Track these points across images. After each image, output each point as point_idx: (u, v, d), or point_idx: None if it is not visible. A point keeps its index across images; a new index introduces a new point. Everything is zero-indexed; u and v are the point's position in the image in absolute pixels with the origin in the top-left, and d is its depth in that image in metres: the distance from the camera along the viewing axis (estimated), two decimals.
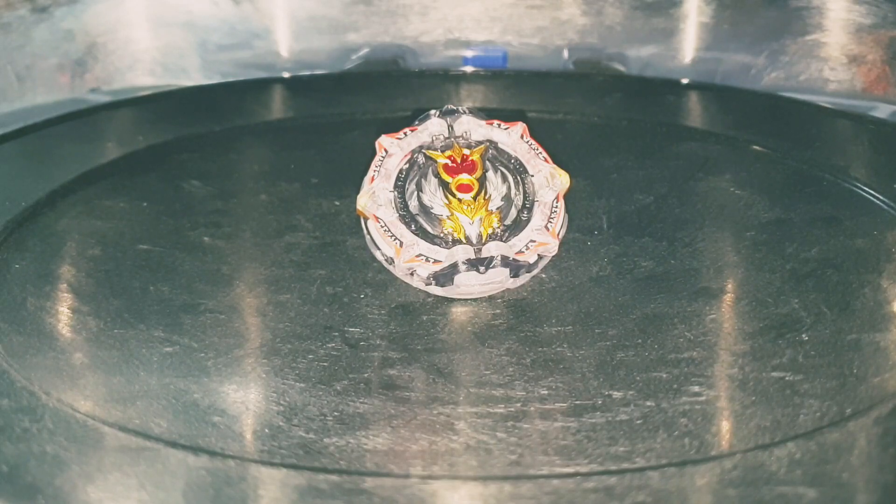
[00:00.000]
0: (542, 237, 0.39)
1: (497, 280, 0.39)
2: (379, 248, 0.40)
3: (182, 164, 0.55)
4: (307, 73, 0.69)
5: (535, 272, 0.40)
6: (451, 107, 0.41)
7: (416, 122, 0.41)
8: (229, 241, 0.46)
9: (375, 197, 0.39)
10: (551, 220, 0.39)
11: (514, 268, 0.39)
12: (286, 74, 0.69)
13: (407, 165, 0.40)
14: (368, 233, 0.40)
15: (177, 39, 0.68)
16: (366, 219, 0.40)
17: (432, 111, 0.41)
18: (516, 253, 0.39)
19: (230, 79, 0.69)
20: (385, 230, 0.39)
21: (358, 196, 0.40)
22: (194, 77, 0.69)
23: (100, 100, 0.66)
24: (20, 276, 0.43)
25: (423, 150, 0.41)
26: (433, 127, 0.41)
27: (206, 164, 0.55)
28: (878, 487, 0.30)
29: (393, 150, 0.40)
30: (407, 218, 0.39)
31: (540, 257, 0.40)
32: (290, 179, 0.53)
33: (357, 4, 0.70)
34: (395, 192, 0.40)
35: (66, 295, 0.42)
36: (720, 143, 0.55)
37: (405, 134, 0.41)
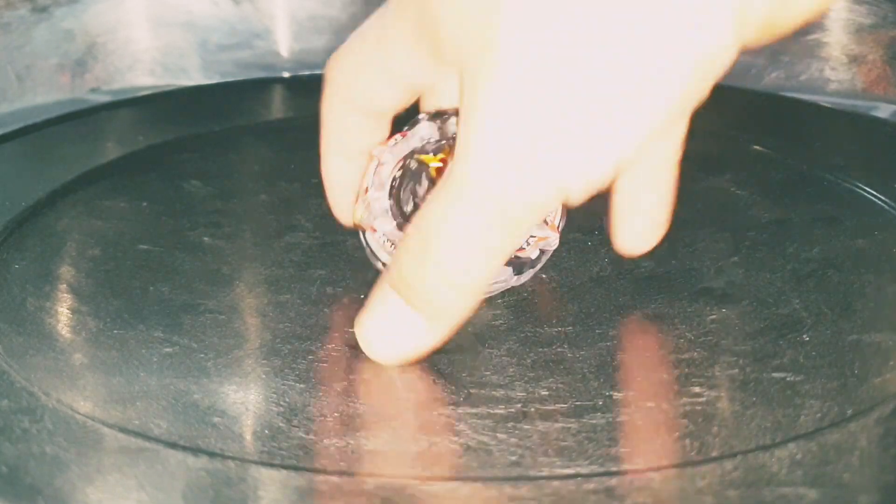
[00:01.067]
0: (542, 231, 0.39)
1: (501, 279, 0.39)
2: (379, 259, 0.40)
3: (182, 164, 0.55)
4: (307, 73, 0.69)
5: (538, 268, 0.40)
6: (440, 109, 0.41)
7: (406, 128, 0.41)
8: (229, 241, 0.46)
9: (371, 208, 0.39)
10: (549, 213, 0.39)
11: (517, 265, 0.39)
12: (286, 74, 0.69)
13: (400, 172, 0.40)
14: (368, 245, 0.40)
15: (177, 39, 0.68)
16: (363, 231, 0.40)
17: (421, 115, 0.41)
18: (517, 250, 0.39)
19: (230, 79, 0.69)
20: (384, 240, 0.39)
21: (353, 209, 0.40)
22: (194, 77, 0.69)
23: (100, 100, 0.66)
24: (20, 276, 0.43)
25: (415, 156, 0.40)
26: (423, 131, 0.40)
27: (206, 164, 0.55)
28: (880, 488, 0.30)
29: (385, 159, 0.40)
30: (405, 226, 0.39)
31: (542, 252, 0.40)
32: (290, 179, 0.52)
33: (358, 4, 0.70)
34: (391, 201, 0.39)
35: (65, 295, 0.42)
36: (720, 143, 0.55)
37: (395, 141, 0.40)
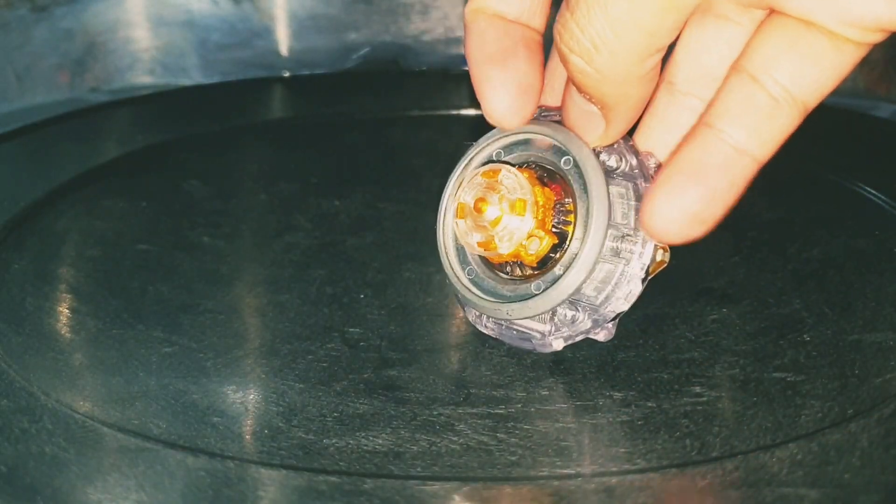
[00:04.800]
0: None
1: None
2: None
3: (182, 164, 0.55)
4: (307, 72, 0.69)
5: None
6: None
7: None
8: (229, 241, 0.46)
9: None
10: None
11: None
12: (286, 74, 0.69)
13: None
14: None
15: (176, 39, 0.68)
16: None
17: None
18: None
19: (230, 78, 0.69)
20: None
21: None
22: (194, 76, 0.69)
23: (99, 99, 0.66)
24: (19, 276, 0.43)
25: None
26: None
27: (206, 164, 0.55)
28: (881, 488, 0.30)
29: None
30: None
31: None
32: (290, 179, 0.52)
33: (357, 3, 0.70)
34: None
35: (65, 295, 0.42)
36: None
37: None
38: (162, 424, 0.33)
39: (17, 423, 0.33)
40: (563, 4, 0.32)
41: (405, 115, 0.61)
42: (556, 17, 0.32)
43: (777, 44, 0.33)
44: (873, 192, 0.49)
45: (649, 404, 0.34)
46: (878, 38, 0.32)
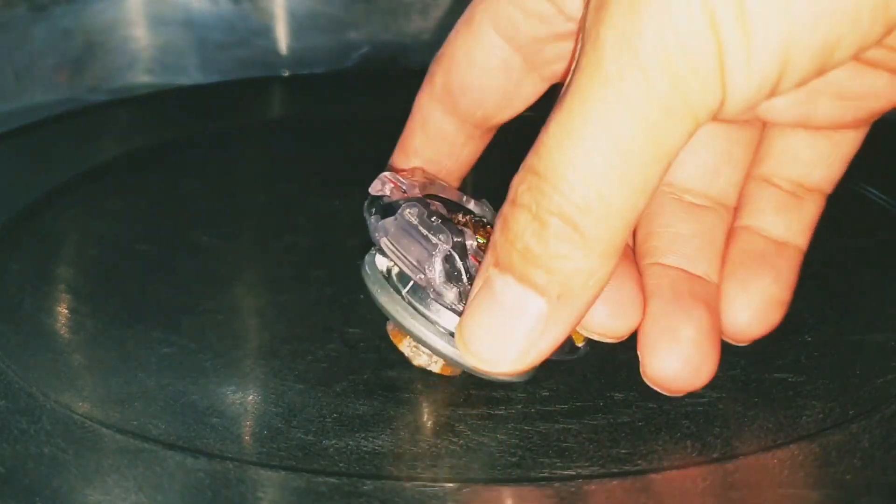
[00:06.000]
0: None
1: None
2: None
3: (181, 164, 0.55)
4: (307, 71, 0.69)
5: None
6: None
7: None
8: (228, 242, 0.46)
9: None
10: None
11: None
12: (286, 73, 0.69)
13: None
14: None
15: (176, 38, 0.68)
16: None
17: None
18: None
19: (229, 77, 0.68)
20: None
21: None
22: (193, 76, 0.69)
23: (98, 99, 0.66)
24: (18, 276, 0.43)
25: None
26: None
27: (206, 164, 0.55)
28: (882, 489, 0.30)
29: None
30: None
31: None
32: (290, 179, 0.52)
33: (357, 2, 0.70)
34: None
35: (63, 295, 0.42)
36: None
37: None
38: (161, 425, 0.33)
39: (15, 424, 0.33)
40: (529, 161, 0.27)
41: (405, 115, 0.61)
42: (518, 175, 0.28)
43: (780, 151, 0.34)
44: (874, 192, 0.49)
45: (650, 405, 0.34)
46: (876, 117, 0.32)
